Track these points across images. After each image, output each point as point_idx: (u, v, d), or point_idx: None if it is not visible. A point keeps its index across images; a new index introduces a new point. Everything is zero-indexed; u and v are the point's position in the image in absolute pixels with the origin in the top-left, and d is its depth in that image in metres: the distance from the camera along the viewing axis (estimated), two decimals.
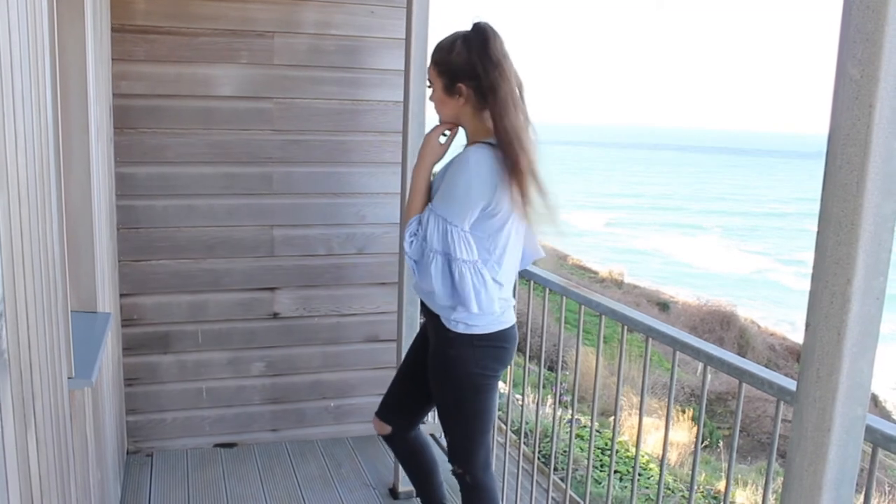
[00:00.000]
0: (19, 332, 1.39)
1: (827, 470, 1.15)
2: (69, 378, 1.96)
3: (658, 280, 26.97)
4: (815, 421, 1.16)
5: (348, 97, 3.55)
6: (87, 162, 2.45)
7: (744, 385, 1.76)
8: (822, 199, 1.13)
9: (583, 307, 2.34)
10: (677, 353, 1.95)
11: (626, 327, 2.14)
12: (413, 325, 3.15)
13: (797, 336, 19.90)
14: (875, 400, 15.39)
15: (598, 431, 6.85)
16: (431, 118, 3.05)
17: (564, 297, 2.45)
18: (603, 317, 2.24)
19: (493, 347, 2.20)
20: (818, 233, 1.14)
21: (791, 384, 1.57)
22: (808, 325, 1.17)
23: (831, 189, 1.11)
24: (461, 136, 2.30)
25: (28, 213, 1.52)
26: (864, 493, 1.44)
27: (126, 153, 3.35)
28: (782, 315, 24.88)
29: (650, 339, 2.04)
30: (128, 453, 3.58)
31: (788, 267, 32.79)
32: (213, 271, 3.53)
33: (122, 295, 3.42)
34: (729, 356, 1.76)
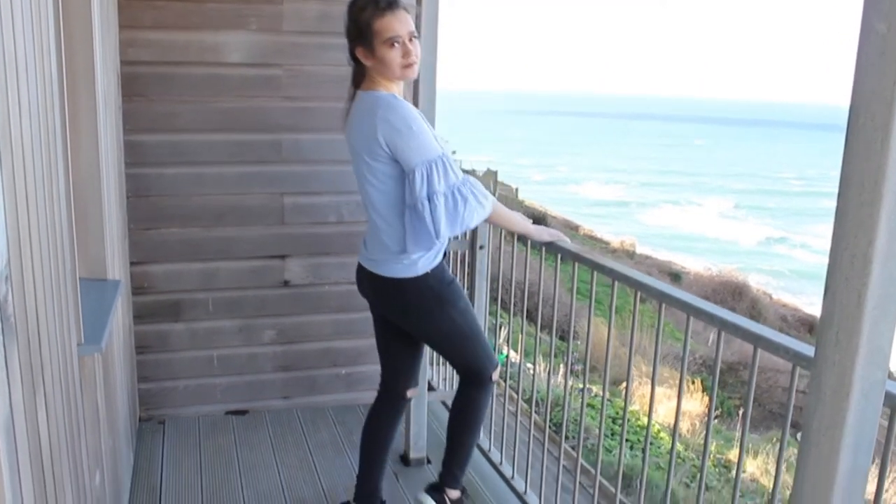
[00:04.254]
0: (26, 297, 1.37)
1: (845, 435, 1.13)
2: (79, 344, 1.95)
3: (670, 251, 26.93)
4: (834, 385, 1.13)
5: None
6: (95, 129, 2.43)
7: (758, 352, 1.74)
8: (843, 158, 1.10)
9: (595, 273, 2.31)
10: (691, 319, 1.92)
11: (638, 293, 2.11)
12: None
13: (810, 308, 19.85)
14: None
15: (608, 400, 6.87)
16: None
17: (576, 264, 2.42)
18: (615, 284, 2.21)
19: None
20: (839, 194, 1.11)
21: (807, 349, 1.55)
22: (827, 288, 1.14)
23: (854, 147, 1.08)
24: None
25: (34, 177, 1.50)
26: (881, 458, 1.42)
27: (135, 121, 3.32)
28: (796, 287, 24.81)
29: (663, 305, 2.02)
30: (140, 420, 3.60)
31: (801, 239, 32.63)
32: (223, 239, 3.52)
33: (132, 263, 3.41)
34: (743, 321, 1.73)
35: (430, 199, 2.26)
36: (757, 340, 1.67)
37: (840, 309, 1.11)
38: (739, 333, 1.73)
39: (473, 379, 2.64)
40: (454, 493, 2.74)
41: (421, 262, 2.39)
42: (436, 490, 2.75)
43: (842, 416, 1.13)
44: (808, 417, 1.18)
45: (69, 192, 1.99)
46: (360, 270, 2.56)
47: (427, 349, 3.01)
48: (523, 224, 2.59)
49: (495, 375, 2.65)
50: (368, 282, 2.53)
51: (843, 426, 1.13)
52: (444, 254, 2.49)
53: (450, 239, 2.52)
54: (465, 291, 3.07)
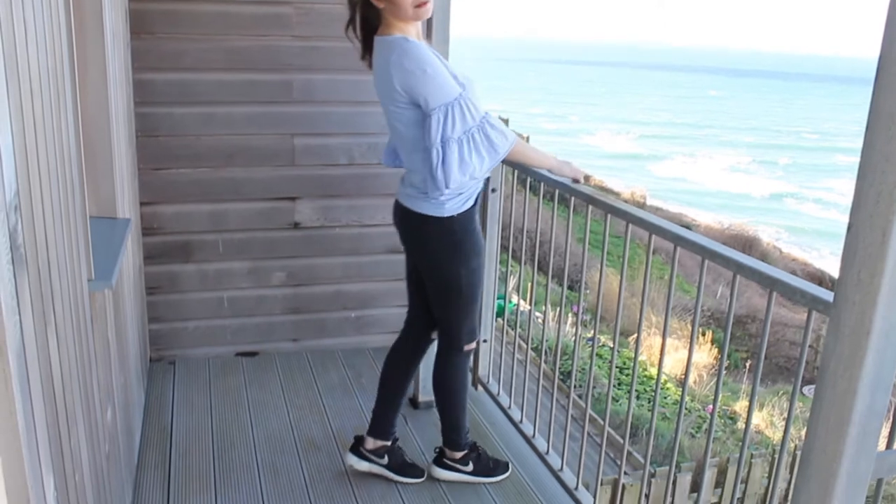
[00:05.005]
0: (36, 230, 1.36)
1: (863, 375, 1.11)
2: (89, 280, 1.95)
3: (681, 204, 26.81)
4: (853, 325, 1.11)
5: None
6: (103, 64, 2.40)
7: (773, 297, 1.72)
8: (873, 92, 1.06)
9: (609, 217, 2.29)
10: (706, 265, 1.90)
11: (652, 237, 2.09)
12: None
13: (821, 263, 19.80)
14: None
15: (617, 350, 6.90)
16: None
17: (589, 208, 2.39)
18: (629, 227, 2.19)
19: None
20: (867, 128, 1.07)
21: (824, 293, 1.53)
22: (850, 226, 1.11)
23: (885, 81, 1.04)
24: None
25: (42, 109, 1.48)
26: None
27: (143, 59, 3.28)
28: (807, 242, 24.72)
29: (677, 251, 2.00)
30: (151, 361, 3.63)
31: (813, 194, 32.37)
32: (232, 180, 3.50)
33: (142, 203, 3.40)
34: (759, 265, 1.71)
35: (443, 147, 2.25)
36: (773, 284, 1.65)
37: (863, 247, 1.09)
38: (755, 276, 1.70)
39: (447, 341, 2.65)
40: (458, 454, 2.77)
41: (448, 205, 2.39)
42: (441, 456, 2.80)
43: (860, 356, 1.11)
44: (825, 358, 1.16)
45: (78, 127, 1.96)
46: (396, 205, 2.57)
47: None
48: (544, 159, 2.54)
49: (468, 347, 2.66)
50: (399, 215, 2.55)
51: (861, 367, 1.11)
52: (476, 201, 2.47)
53: (484, 183, 2.50)
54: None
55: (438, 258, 2.49)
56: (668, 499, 3.79)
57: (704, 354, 9.22)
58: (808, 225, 27.23)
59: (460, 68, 2.40)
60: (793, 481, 4.08)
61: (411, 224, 2.50)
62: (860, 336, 1.11)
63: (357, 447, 2.79)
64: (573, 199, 2.56)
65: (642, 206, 22.99)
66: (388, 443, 2.78)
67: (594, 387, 7.00)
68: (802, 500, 1.22)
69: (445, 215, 2.40)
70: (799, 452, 1.21)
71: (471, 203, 2.43)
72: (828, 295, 1.49)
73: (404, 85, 2.25)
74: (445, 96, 2.23)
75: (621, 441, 2.56)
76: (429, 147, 2.26)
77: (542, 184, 2.67)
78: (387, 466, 2.77)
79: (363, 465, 2.78)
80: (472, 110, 2.27)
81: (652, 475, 4.41)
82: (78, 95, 2.01)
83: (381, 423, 2.78)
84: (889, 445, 1.38)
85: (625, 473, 4.05)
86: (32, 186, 1.36)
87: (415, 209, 2.44)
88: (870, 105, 1.07)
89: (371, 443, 2.77)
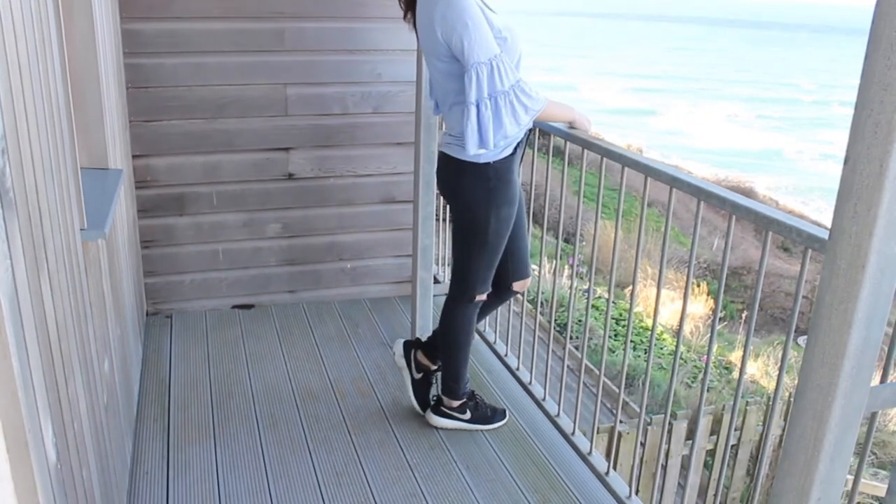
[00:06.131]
0: (25, 175, 1.35)
1: (858, 308, 1.11)
2: (81, 229, 1.94)
3: (676, 156, 26.74)
4: (849, 258, 1.10)
5: None
6: (90, 12, 2.36)
7: (768, 242, 1.72)
8: (873, 18, 1.04)
9: (604, 161, 2.27)
10: (702, 204, 1.89)
11: (648, 181, 2.08)
12: (430, 185, 3.10)
13: (817, 215, 19.83)
14: None
15: (613, 303, 6.91)
16: None
17: (585, 152, 2.38)
18: (625, 171, 2.17)
19: None
20: (865, 56, 1.05)
21: (819, 231, 1.52)
22: (847, 158, 1.10)
23: (884, 7, 1.02)
24: None
25: (27, 54, 1.45)
26: (889, 341, 1.41)
27: (131, 8, 3.22)
28: (803, 194, 24.72)
29: (673, 193, 1.99)
30: (147, 314, 3.63)
31: (809, 146, 32.25)
32: (225, 132, 3.46)
33: (134, 156, 3.37)
34: (755, 205, 1.70)
35: (473, 107, 2.24)
36: (769, 224, 1.64)
37: (860, 179, 1.07)
38: (751, 217, 1.69)
39: (460, 289, 2.64)
40: (456, 403, 2.79)
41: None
42: (439, 404, 2.82)
43: (856, 289, 1.10)
44: (821, 292, 1.16)
45: (65, 75, 1.93)
46: (438, 155, 2.58)
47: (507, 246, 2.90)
48: (567, 112, 2.50)
49: (479, 298, 2.64)
50: (440, 163, 2.56)
51: (856, 300, 1.11)
52: (515, 150, 2.44)
53: (527, 133, 2.48)
54: None
55: (470, 203, 2.47)
56: (664, 445, 3.82)
57: (700, 305, 9.26)
58: (804, 177, 27.18)
59: (503, 18, 2.35)
60: (787, 427, 4.13)
61: (448, 169, 2.51)
62: (856, 269, 1.10)
63: (437, 406, 2.82)
64: (567, 149, 2.54)
65: None
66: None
67: (590, 338, 7.04)
68: (797, 433, 1.23)
69: (482, 161, 2.39)
70: (793, 400, 1.22)
71: (509, 151, 2.41)
72: (823, 233, 1.48)
73: (445, 36, 2.24)
74: (481, 54, 2.21)
75: (617, 391, 2.57)
76: (468, 103, 2.25)
77: (536, 131, 2.65)
78: (469, 420, 2.81)
79: (446, 423, 2.81)
80: (504, 75, 2.24)
81: (648, 423, 4.46)
82: (64, 43, 1.97)
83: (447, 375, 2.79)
84: (883, 379, 1.39)
85: (620, 422, 4.09)
86: (20, 130, 1.34)
87: (453, 155, 2.45)
88: (869, 33, 1.05)
89: (446, 401, 2.80)
